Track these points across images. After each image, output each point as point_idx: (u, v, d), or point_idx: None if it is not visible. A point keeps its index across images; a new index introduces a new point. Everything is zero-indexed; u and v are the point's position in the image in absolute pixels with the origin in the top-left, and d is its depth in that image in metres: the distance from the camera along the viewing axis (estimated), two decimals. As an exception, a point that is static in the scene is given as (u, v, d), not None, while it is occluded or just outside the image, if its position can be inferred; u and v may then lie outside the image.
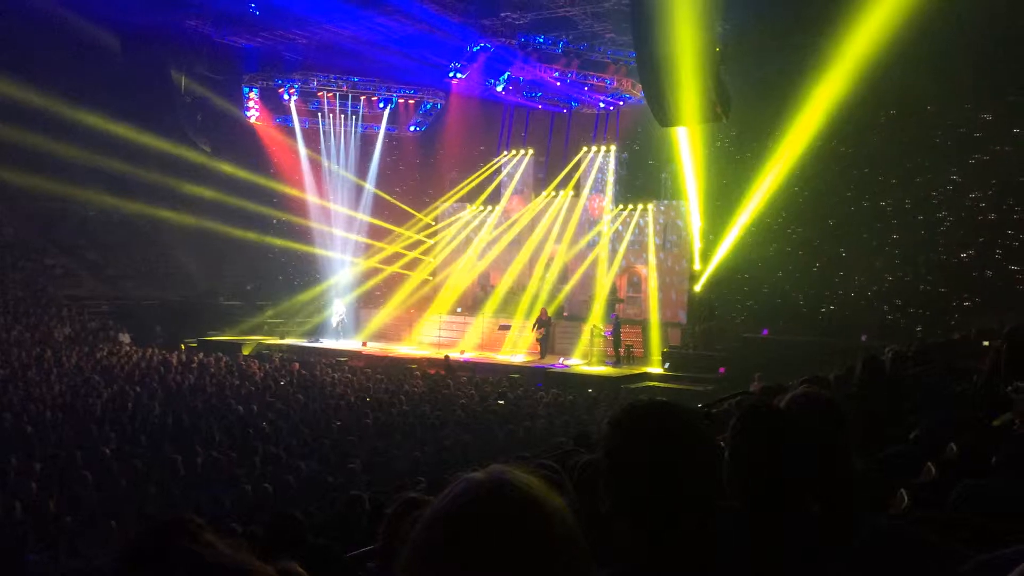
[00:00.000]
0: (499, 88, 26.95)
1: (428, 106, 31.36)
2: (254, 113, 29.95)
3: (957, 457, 3.02)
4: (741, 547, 1.62)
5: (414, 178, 32.20)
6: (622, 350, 22.86)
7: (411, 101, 31.05)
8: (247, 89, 29.70)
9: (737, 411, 1.96)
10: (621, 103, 27.38)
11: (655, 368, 21.93)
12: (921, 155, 21.62)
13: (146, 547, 0.86)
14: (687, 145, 22.69)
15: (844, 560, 1.47)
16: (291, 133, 30.53)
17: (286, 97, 29.74)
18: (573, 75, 25.94)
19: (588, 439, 6.59)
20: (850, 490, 1.89)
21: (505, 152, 29.36)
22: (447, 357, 22.04)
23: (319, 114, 30.26)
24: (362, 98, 30.21)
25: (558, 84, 26.58)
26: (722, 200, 23.18)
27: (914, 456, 3.28)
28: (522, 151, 29.09)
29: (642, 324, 24.08)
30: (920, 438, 3.67)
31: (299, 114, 30.30)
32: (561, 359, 23.20)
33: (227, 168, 29.21)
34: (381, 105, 30.32)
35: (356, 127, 30.55)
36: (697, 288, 23.44)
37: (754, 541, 1.70)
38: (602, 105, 27.52)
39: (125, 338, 25.59)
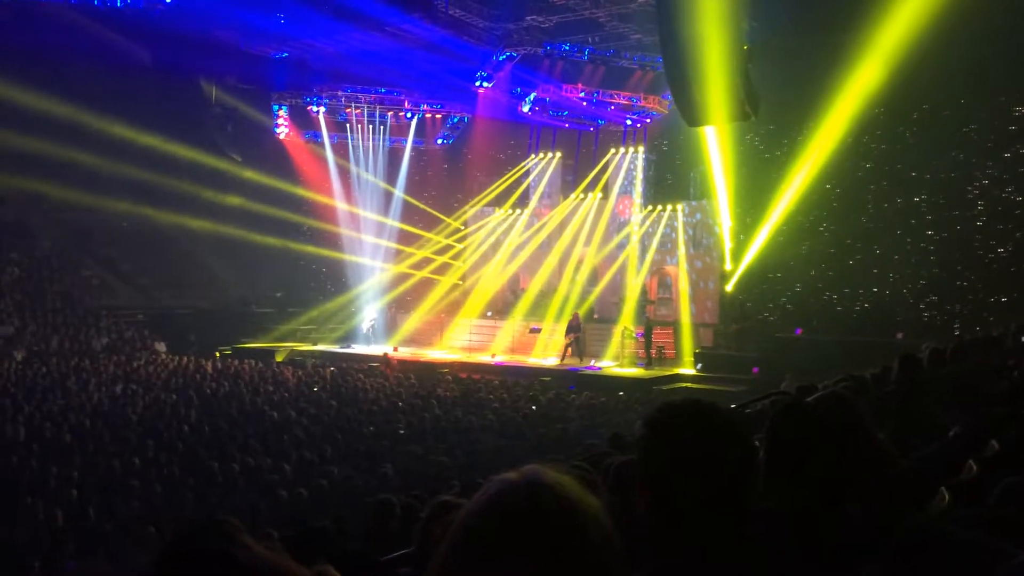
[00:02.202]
0: (525, 108, 27.05)
1: (455, 120, 31.40)
2: (284, 130, 30.15)
3: (999, 454, 2.96)
4: (778, 546, 1.60)
5: (442, 184, 32.32)
6: (654, 351, 22.76)
7: (438, 116, 31.07)
8: (276, 107, 29.93)
9: (772, 410, 1.94)
10: (648, 120, 27.27)
11: (687, 369, 21.80)
12: (955, 150, 21.27)
13: (185, 549, 0.87)
14: (716, 144, 22.55)
15: (884, 559, 1.45)
16: (320, 147, 30.72)
17: (315, 110, 29.88)
18: (599, 94, 25.91)
19: (622, 441, 6.55)
20: (888, 488, 1.86)
21: (533, 155, 29.37)
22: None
23: (347, 128, 30.35)
24: (389, 113, 30.28)
25: (584, 104, 26.59)
26: (752, 199, 22.99)
27: (954, 453, 3.22)
28: (550, 154, 29.10)
29: (673, 325, 23.95)
30: (960, 435, 3.61)
31: (328, 129, 30.44)
32: (593, 361, 23.13)
33: (257, 177, 29.53)
34: (408, 116, 30.37)
35: (384, 141, 30.62)
36: (728, 288, 23.28)
37: (791, 540, 1.68)
38: (629, 122, 27.42)
39: (161, 347, 25.93)
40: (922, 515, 2.05)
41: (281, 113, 30.04)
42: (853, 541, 1.65)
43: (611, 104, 26.48)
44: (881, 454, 1.96)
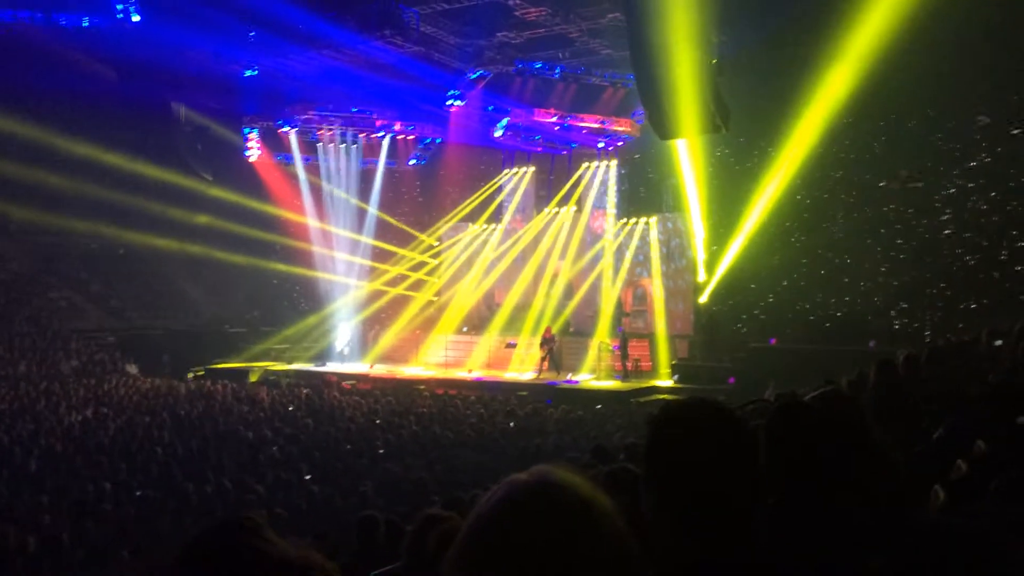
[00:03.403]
0: (498, 133, 27.16)
1: (427, 141, 31.31)
2: (255, 152, 29.83)
3: (986, 453, 2.98)
4: (781, 544, 1.59)
5: (415, 201, 32.27)
6: (630, 364, 22.81)
7: (410, 137, 30.96)
8: (247, 130, 29.66)
9: (773, 408, 1.93)
10: (620, 143, 27.45)
11: (664, 381, 21.88)
12: (923, 159, 21.61)
13: (210, 543, 0.84)
14: (687, 157, 22.74)
15: (889, 552, 1.44)
16: (292, 168, 30.48)
17: (285, 131, 29.61)
18: (571, 118, 26.08)
19: (606, 452, 6.53)
20: (891, 484, 1.86)
21: (507, 170, 29.45)
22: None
23: (319, 149, 30.07)
24: (361, 135, 30.09)
25: (556, 129, 26.76)
26: (724, 211, 23.19)
27: (939, 455, 3.24)
28: (523, 169, 29.19)
29: (649, 337, 24.03)
30: (944, 437, 3.63)
31: (300, 150, 30.14)
32: (570, 375, 23.13)
33: (228, 196, 29.29)
34: (380, 136, 30.20)
35: (356, 162, 30.44)
36: (702, 299, 23.41)
37: (795, 538, 1.67)
38: (601, 145, 27.60)
39: (132, 369, 25.59)
40: (923, 510, 2.05)
41: (252, 136, 29.75)
42: (857, 536, 1.64)
43: (583, 128, 26.63)
44: (880, 450, 1.96)
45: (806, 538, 1.68)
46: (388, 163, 30.83)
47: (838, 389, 2.13)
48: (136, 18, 23.94)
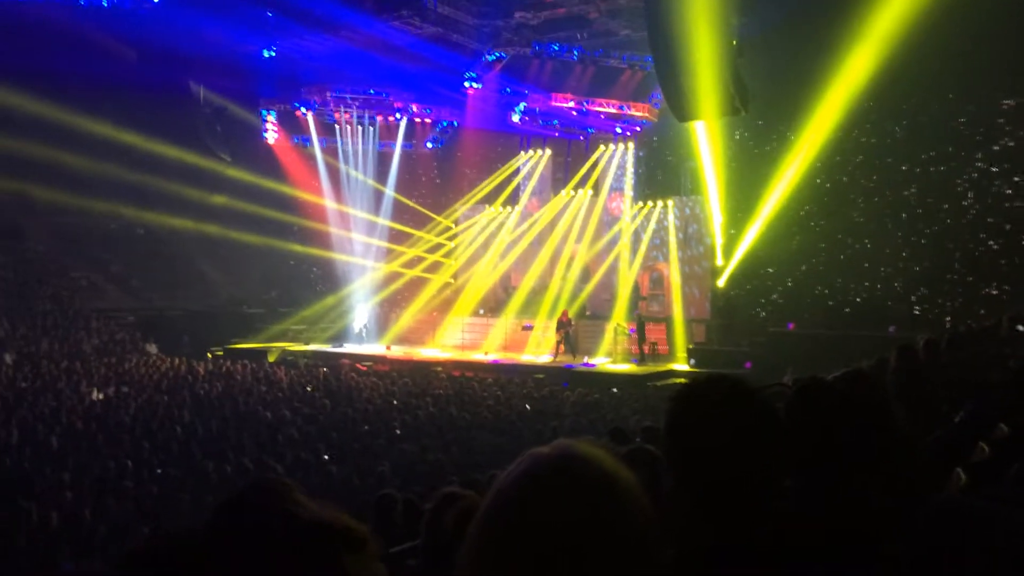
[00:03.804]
0: (515, 118, 27.05)
1: (444, 124, 31.22)
2: (272, 135, 29.93)
3: (1009, 436, 2.96)
4: (799, 527, 1.59)
5: (432, 183, 32.27)
6: (647, 347, 22.77)
7: (427, 120, 30.88)
8: (264, 112, 29.73)
9: (793, 387, 1.92)
10: (638, 128, 27.26)
11: (681, 365, 21.83)
12: (944, 143, 21.39)
13: (243, 503, 0.86)
14: (706, 140, 22.58)
15: (911, 534, 1.44)
16: (309, 150, 30.54)
17: (303, 112, 29.61)
18: (588, 102, 25.89)
19: (624, 435, 6.53)
20: (909, 464, 1.85)
21: (523, 152, 29.36)
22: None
23: (336, 131, 30.07)
24: (379, 117, 30.06)
25: (574, 114, 26.58)
26: (743, 194, 23.05)
27: (961, 439, 3.23)
28: (540, 151, 29.10)
29: (666, 321, 23.98)
30: (966, 421, 3.61)
31: (317, 132, 30.18)
32: (586, 358, 23.14)
33: (247, 177, 29.39)
34: (397, 118, 30.14)
35: (374, 144, 30.43)
36: (720, 283, 23.32)
37: (817, 518, 1.67)
38: (619, 130, 27.40)
39: (152, 348, 25.79)
40: (944, 493, 2.04)
41: (269, 118, 29.83)
42: (879, 518, 1.64)
43: (601, 113, 26.46)
44: (902, 433, 1.95)
45: (829, 519, 1.68)
46: (405, 145, 30.81)
47: (861, 370, 2.12)
48: (155, -1, 24.00)
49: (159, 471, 10.74)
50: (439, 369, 22.08)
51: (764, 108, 20.87)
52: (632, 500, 1.06)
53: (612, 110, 26.30)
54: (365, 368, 22.56)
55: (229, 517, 0.85)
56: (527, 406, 15.66)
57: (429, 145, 31.93)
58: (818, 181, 22.29)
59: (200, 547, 0.81)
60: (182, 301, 30.09)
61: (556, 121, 28.01)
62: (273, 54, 27.25)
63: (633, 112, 26.30)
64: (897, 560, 1.41)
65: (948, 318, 18.96)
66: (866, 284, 22.15)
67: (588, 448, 1.10)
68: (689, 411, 1.59)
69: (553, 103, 26.20)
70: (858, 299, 22.05)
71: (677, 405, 1.60)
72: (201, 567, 0.79)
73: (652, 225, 26.18)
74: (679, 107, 18.78)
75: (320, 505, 0.88)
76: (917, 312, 20.68)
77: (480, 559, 1.05)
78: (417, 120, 30.60)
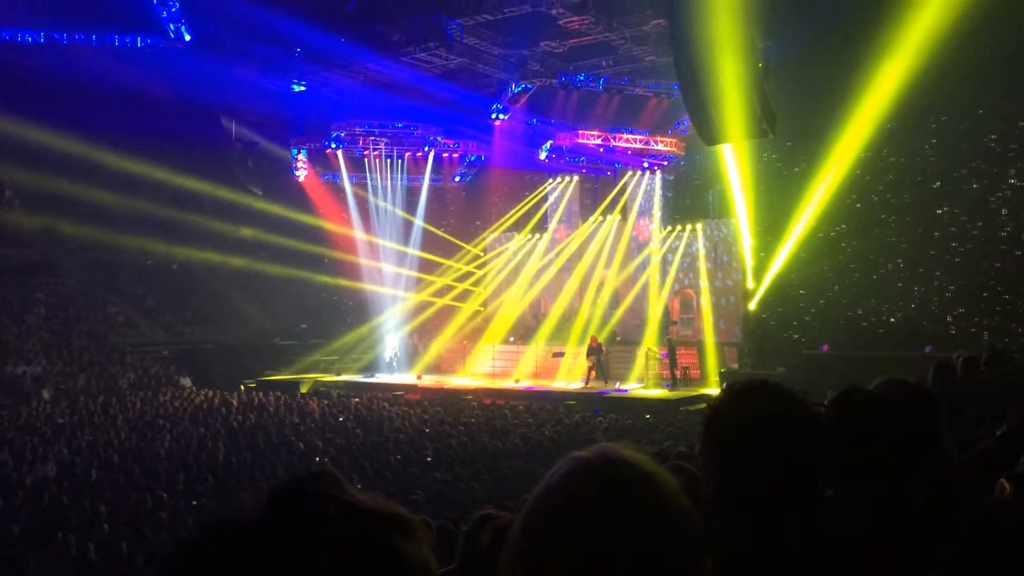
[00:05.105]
0: (542, 156, 27.18)
1: (472, 159, 31.34)
2: (303, 172, 30.27)
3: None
4: (849, 531, 1.56)
5: (461, 212, 32.44)
6: (678, 372, 22.61)
7: (455, 155, 31.06)
8: (295, 151, 30.12)
9: (837, 393, 1.90)
10: (665, 163, 27.21)
11: (713, 389, 21.63)
12: (976, 160, 21.17)
13: (294, 491, 0.86)
14: (734, 163, 22.52)
15: (959, 540, 1.41)
16: (339, 186, 30.82)
17: (332, 148, 29.88)
18: (615, 137, 25.92)
19: (665, 456, 6.46)
20: (951, 473, 1.81)
21: (551, 179, 29.47)
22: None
23: (366, 166, 30.27)
24: (407, 154, 30.26)
25: (601, 150, 26.63)
26: (773, 216, 22.92)
27: (1004, 451, 3.16)
28: (568, 178, 29.18)
29: (697, 345, 23.81)
30: (1008, 434, 3.54)
31: (347, 169, 30.39)
32: (618, 384, 23.01)
33: (277, 210, 29.76)
34: (426, 148, 30.29)
35: (402, 179, 30.62)
36: (752, 306, 23.14)
37: (862, 525, 1.64)
38: (646, 165, 27.37)
39: (186, 381, 26.05)
40: (988, 501, 2.00)
41: (300, 156, 30.20)
42: (925, 525, 1.60)
43: (628, 149, 26.44)
44: (946, 443, 1.91)
45: (875, 526, 1.65)
46: (433, 180, 30.99)
47: (904, 379, 2.09)
48: (188, 38, 24.50)
49: (194, 502, 10.81)
50: (470, 397, 22.04)
51: (792, 129, 20.78)
52: (674, 501, 1.05)
53: (638, 145, 26.27)
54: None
55: (283, 504, 0.85)
56: (545, 431, 15.58)
57: (457, 179, 32.09)
58: (848, 201, 22.13)
59: (254, 534, 0.82)
60: (215, 335, 30.40)
61: (583, 158, 28.05)
62: (303, 88, 27.66)
63: (659, 147, 26.27)
64: (949, 565, 1.38)
65: (985, 336, 18.63)
66: (900, 304, 21.87)
67: (627, 450, 1.09)
68: (729, 416, 1.57)
69: (579, 140, 26.21)
70: (892, 319, 21.77)
71: (716, 410, 1.59)
72: (255, 554, 0.80)
73: (681, 249, 26.10)
74: (706, 130, 18.76)
75: (368, 494, 0.89)
76: (954, 331, 20.36)
77: (522, 561, 1.04)
78: (444, 155, 30.79)
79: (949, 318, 20.95)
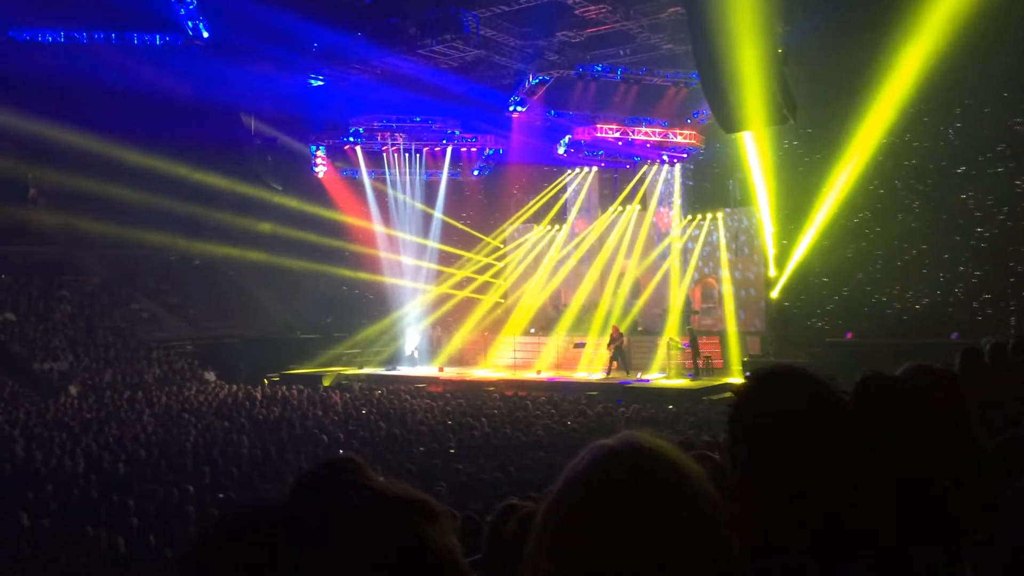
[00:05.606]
0: (561, 151, 27.09)
1: (490, 152, 31.24)
2: (322, 169, 30.35)
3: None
4: (878, 522, 1.54)
5: (480, 204, 32.42)
6: (701, 362, 22.52)
7: (473, 149, 31.00)
8: (314, 148, 30.21)
9: (861, 380, 1.87)
10: (685, 155, 27.04)
11: (736, 378, 21.52)
12: (1000, 144, 20.86)
13: (318, 479, 0.87)
14: (754, 150, 22.35)
15: (990, 527, 1.39)
16: (359, 181, 30.87)
17: (351, 142, 29.91)
18: (633, 130, 25.77)
19: (691, 445, 6.43)
20: (980, 460, 1.79)
21: (569, 170, 29.40)
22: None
23: (384, 161, 30.26)
24: (425, 148, 30.25)
25: (619, 144, 26.49)
26: (794, 203, 22.73)
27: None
28: (587, 169, 29.09)
29: (719, 334, 23.70)
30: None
31: (365, 165, 30.39)
32: (639, 374, 22.96)
33: (297, 204, 29.89)
34: (444, 142, 30.26)
35: (421, 173, 30.62)
36: (774, 295, 22.99)
37: (891, 515, 1.62)
38: (665, 158, 27.21)
39: (211, 376, 26.26)
40: (1020, 487, 1.97)
41: (319, 153, 30.28)
42: (955, 513, 1.58)
43: (647, 142, 26.29)
44: (972, 430, 1.89)
45: (904, 516, 1.63)
46: (452, 174, 30.98)
47: (931, 365, 2.06)
48: (206, 34, 24.62)
49: (220, 495, 10.90)
50: (492, 389, 22.07)
51: (813, 115, 20.57)
52: (700, 489, 1.05)
53: (657, 138, 26.11)
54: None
55: (307, 490, 0.85)
56: (568, 422, 15.57)
57: (475, 173, 32.04)
58: (871, 187, 21.89)
59: (278, 519, 0.82)
60: (239, 329, 30.64)
61: (602, 152, 27.92)
62: (321, 83, 27.72)
63: (678, 139, 26.09)
64: (980, 551, 1.37)
65: (1012, 321, 18.40)
66: (926, 290, 21.63)
67: (653, 438, 1.09)
68: (755, 403, 1.54)
69: (598, 134, 26.08)
70: (918, 306, 21.54)
71: (743, 396, 1.57)
72: (280, 539, 0.80)
73: (702, 238, 25.97)
74: (726, 118, 18.62)
75: (391, 481, 0.89)
76: (980, 318, 20.11)
77: (546, 551, 1.04)
78: (463, 149, 30.73)
79: (975, 304, 20.70)
